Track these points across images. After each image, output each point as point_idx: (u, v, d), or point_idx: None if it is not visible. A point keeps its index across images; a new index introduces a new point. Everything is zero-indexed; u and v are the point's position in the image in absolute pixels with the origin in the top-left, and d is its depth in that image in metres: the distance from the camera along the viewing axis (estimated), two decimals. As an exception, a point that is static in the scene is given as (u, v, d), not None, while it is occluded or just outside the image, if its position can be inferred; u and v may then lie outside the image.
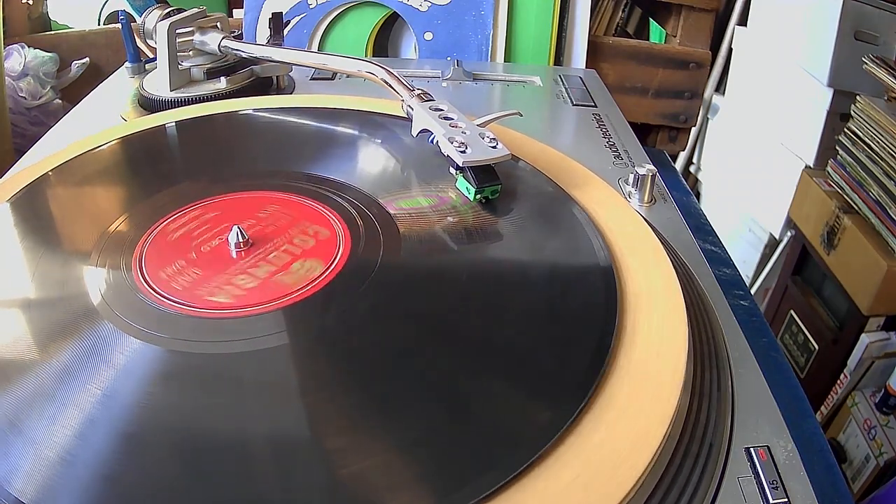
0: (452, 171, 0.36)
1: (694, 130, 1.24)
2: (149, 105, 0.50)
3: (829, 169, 0.93)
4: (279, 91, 0.55)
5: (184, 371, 0.25)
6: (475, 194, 0.34)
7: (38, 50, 0.82)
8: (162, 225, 0.33)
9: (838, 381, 0.93)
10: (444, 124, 0.36)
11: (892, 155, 0.80)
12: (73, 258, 0.32)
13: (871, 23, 0.92)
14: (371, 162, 0.41)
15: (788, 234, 1.09)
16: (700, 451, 0.24)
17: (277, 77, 0.54)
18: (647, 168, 0.40)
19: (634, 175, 0.41)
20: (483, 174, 0.34)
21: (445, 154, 0.35)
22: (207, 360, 0.26)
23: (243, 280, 0.29)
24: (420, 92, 0.40)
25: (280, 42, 0.54)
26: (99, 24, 1.01)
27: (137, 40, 0.56)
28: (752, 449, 0.25)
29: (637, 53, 0.72)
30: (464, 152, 0.34)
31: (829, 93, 0.95)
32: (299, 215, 0.34)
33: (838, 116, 0.95)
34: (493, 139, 0.35)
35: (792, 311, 1.04)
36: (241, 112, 0.45)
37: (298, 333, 0.27)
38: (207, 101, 0.49)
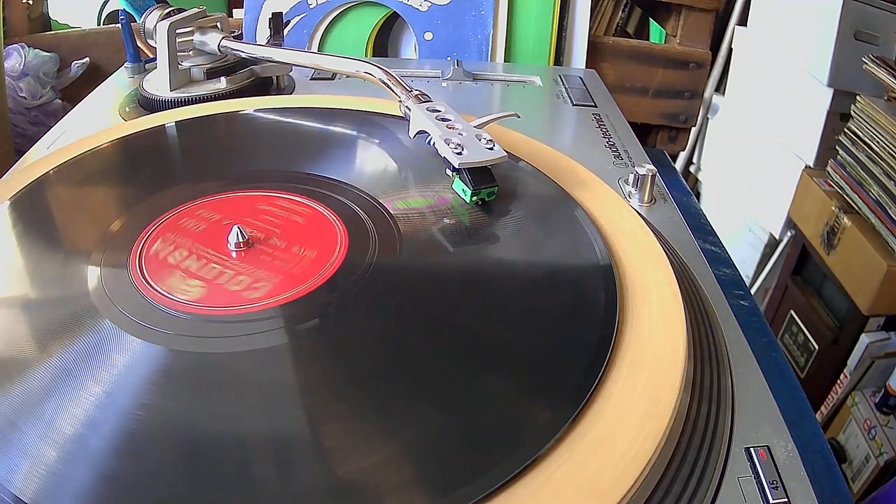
0: (449, 172, 0.36)
1: (694, 130, 1.24)
2: (149, 105, 0.50)
3: (829, 169, 0.93)
4: (279, 91, 0.55)
5: (184, 369, 0.25)
6: (471, 196, 0.34)
7: (38, 50, 0.82)
8: (161, 224, 0.33)
9: (838, 381, 0.93)
10: (440, 125, 0.36)
11: (892, 155, 0.80)
12: (74, 257, 0.32)
13: (871, 23, 0.92)
14: (371, 162, 0.41)
15: (788, 234, 1.09)
16: (700, 451, 0.24)
17: (277, 77, 0.55)
18: (647, 168, 0.40)
19: (634, 175, 0.41)
20: (479, 176, 0.34)
21: (442, 156, 0.35)
22: (206, 359, 0.26)
23: (243, 278, 0.29)
24: (417, 93, 0.40)
25: (280, 42, 0.54)
26: (99, 24, 1.01)
27: (137, 40, 0.56)
28: (752, 449, 0.25)
29: (637, 53, 0.72)
30: (460, 154, 0.34)
31: (829, 93, 0.95)
32: (299, 215, 0.34)
33: (838, 116, 0.95)
34: (490, 140, 0.35)
35: (792, 311, 1.04)
36: (241, 112, 0.45)
37: (297, 332, 0.27)
38: (207, 101, 0.49)
